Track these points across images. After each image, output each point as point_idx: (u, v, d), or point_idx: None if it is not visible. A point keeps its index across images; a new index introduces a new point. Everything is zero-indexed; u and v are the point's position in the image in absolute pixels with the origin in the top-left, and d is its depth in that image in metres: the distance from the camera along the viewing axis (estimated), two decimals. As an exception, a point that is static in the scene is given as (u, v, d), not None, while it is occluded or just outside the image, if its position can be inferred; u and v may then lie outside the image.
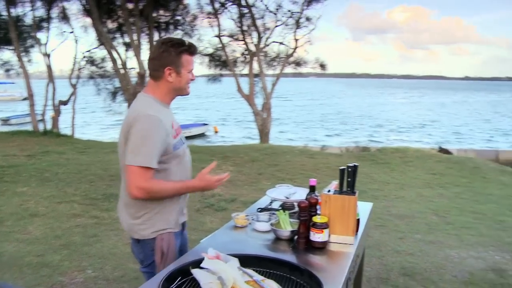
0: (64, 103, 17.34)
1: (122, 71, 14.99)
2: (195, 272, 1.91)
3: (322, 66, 18.64)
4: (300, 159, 10.22)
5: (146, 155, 2.10)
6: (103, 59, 18.13)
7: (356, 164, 2.43)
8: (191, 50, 2.28)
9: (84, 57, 18.07)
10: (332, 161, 10.28)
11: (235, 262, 1.94)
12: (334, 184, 2.87)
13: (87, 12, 16.10)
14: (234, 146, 12.83)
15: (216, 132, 33.51)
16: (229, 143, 22.22)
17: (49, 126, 16.83)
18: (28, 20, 17.41)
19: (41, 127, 16.20)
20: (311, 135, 32.97)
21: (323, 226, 2.29)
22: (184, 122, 34.88)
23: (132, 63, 18.49)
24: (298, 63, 18.43)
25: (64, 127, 17.71)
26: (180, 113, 47.30)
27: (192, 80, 2.34)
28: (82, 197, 6.67)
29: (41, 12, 17.22)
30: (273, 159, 10.09)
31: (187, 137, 3.37)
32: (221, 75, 18.86)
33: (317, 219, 2.31)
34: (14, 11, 16.38)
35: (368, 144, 15.18)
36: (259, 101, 16.59)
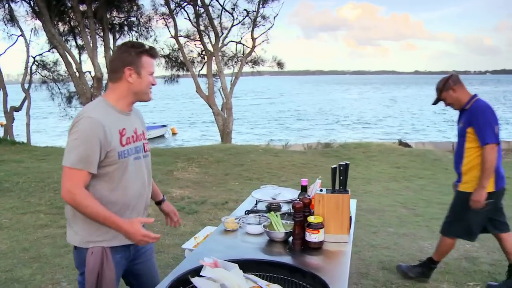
0: (17, 109, 16.70)
1: (77, 74, 14.58)
2: (196, 281, 1.85)
3: (280, 64, 18.75)
4: (265, 158, 10.22)
5: (78, 157, 2.02)
6: (55, 63, 17.62)
7: (347, 162, 2.42)
8: (152, 52, 2.22)
9: (35, 61, 17.46)
10: (297, 158, 10.34)
11: (239, 269, 1.89)
12: (319, 183, 2.87)
13: (37, 14, 15.57)
14: (197, 147, 12.70)
15: (174, 133, 33.18)
16: (187, 144, 22.01)
17: (0, 133, 16.23)
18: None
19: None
20: (269, 133, 33.11)
21: (319, 226, 2.28)
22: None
23: (87, 66, 18.00)
24: (255, 62, 18.46)
25: (16, 135, 17.07)
26: (136, 116, 46.50)
27: (153, 84, 2.25)
28: (48, 206, 6.43)
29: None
30: (238, 159, 10.05)
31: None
32: (178, 76, 18.68)
33: (311, 219, 2.30)
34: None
35: (330, 140, 15.32)
36: (218, 101, 16.53)
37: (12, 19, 16.40)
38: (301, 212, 2.29)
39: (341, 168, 2.41)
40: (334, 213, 2.36)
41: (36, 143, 16.57)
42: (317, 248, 2.29)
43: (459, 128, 3.70)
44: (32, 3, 15.56)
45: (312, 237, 2.27)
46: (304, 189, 2.54)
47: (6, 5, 16.00)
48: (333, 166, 2.46)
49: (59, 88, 18.16)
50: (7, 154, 10.74)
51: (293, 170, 9.10)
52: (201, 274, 1.88)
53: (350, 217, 2.53)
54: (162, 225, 5.67)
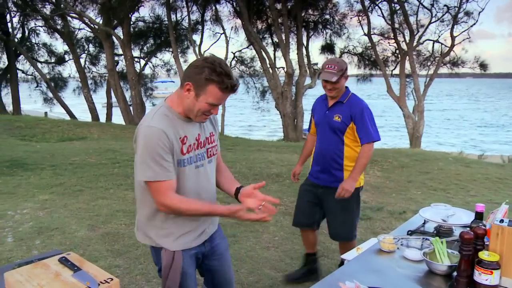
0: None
1: (270, 70, 15.22)
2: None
3: (483, 66, 17.14)
4: (455, 168, 9.33)
5: (154, 170, 2.00)
6: (252, 59, 18.71)
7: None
8: (223, 86, 1.98)
9: (235, 57, 18.78)
10: (492, 172, 9.23)
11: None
12: (505, 209, 2.37)
13: (238, 13, 16.66)
14: (382, 150, 12.19)
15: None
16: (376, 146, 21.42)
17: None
18: (185, 23, 18.68)
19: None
20: (464, 141, 30.53)
21: (493, 265, 1.84)
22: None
23: (280, 62, 18.86)
24: (454, 63, 17.15)
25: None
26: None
27: (211, 113, 2.09)
28: (225, 195, 6.68)
29: (196, 15, 18.33)
30: (424, 166, 9.35)
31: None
32: (371, 75, 18.32)
33: (484, 255, 1.87)
34: (174, 17, 17.64)
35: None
36: (409, 103, 15.77)
37: (217, 19, 17.93)
38: (470, 245, 1.89)
39: (531, 196, 1.93)
40: (516, 252, 1.89)
41: (229, 133, 17.79)
42: (488, 292, 1.86)
43: (336, 123, 3.46)
44: (234, 3, 16.70)
45: (483, 277, 1.85)
46: (479, 216, 2.10)
47: (213, 7, 17.54)
48: (520, 193, 1.98)
49: (254, 83, 19.27)
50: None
51: (485, 185, 8.12)
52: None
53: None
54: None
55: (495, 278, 1.85)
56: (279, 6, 15.32)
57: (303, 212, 3.87)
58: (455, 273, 1.97)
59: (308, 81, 16.63)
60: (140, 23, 19.85)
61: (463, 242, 1.89)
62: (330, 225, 3.75)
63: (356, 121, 3.39)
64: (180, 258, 2.20)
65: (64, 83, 23.10)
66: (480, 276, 1.85)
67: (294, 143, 13.33)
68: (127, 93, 19.00)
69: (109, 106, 21.03)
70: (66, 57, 22.19)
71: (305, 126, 20.45)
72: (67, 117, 19.82)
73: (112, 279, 1.88)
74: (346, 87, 3.52)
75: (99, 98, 21.46)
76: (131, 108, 18.35)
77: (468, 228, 1.98)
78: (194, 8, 17.77)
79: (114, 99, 19.42)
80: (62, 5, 17.77)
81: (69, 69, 24.47)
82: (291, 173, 4.13)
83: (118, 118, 20.76)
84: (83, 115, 23.14)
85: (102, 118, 20.65)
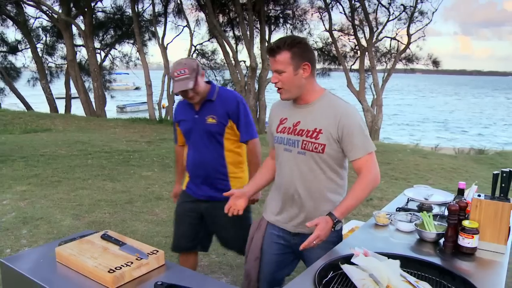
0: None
1: (233, 63, 15.44)
2: (346, 267, 1.94)
3: (435, 63, 18.00)
4: (413, 159, 9.92)
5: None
6: (213, 52, 18.85)
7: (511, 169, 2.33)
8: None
9: (196, 49, 18.86)
10: (447, 162, 9.87)
11: (396, 263, 1.94)
12: (475, 188, 2.78)
13: (201, 6, 16.77)
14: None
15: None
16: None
17: (163, 114, 17.83)
18: (146, 15, 18.59)
19: (156, 115, 17.20)
20: (417, 134, 31.72)
21: (474, 231, 2.22)
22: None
23: (242, 56, 19.06)
24: (409, 59, 17.93)
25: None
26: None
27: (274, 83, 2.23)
28: None
29: (158, 7, 18.28)
30: (385, 157, 9.88)
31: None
32: (330, 70, 18.82)
33: (466, 223, 2.25)
34: (136, 8, 17.50)
35: (483, 146, 14.30)
36: (368, 98, 16.37)
37: (179, 11, 17.93)
38: (456, 215, 2.25)
39: (504, 174, 2.32)
40: (491, 221, 2.28)
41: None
42: (469, 254, 2.24)
43: (211, 126, 2.85)
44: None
45: (465, 241, 2.22)
46: (460, 192, 2.48)
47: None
48: (494, 172, 2.37)
49: (215, 75, 19.43)
50: (168, 133, 11.80)
51: (441, 174, 8.72)
52: (352, 260, 1.96)
53: (510, 228, 2.42)
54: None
55: (475, 241, 2.23)
56: (243, 0, 15.55)
57: (184, 235, 3.20)
58: (441, 240, 2.34)
59: (270, 74, 16.94)
60: (100, 14, 19.58)
61: (450, 212, 2.26)
62: (222, 239, 3.19)
63: (234, 117, 2.87)
64: (265, 225, 2.50)
65: (17, 74, 22.34)
66: (464, 240, 2.23)
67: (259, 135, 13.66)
68: (85, 84, 18.73)
69: (68, 98, 20.64)
70: (19, 46, 21.46)
71: (268, 119, 20.93)
72: (23, 109, 19.33)
73: (157, 251, 2.09)
74: (210, 82, 2.98)
75: (54, 89, 20.88)
76: (92, 99, 18.12)
77: (454, 201, 2.35)
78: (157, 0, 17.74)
79: (72, 90, 19.09)
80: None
81: (22, 59, 23.62)
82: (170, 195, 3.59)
83: (76, 109, 20.41)
84: (39, 106, 22.56)
85: (60, 110, 20.27)
